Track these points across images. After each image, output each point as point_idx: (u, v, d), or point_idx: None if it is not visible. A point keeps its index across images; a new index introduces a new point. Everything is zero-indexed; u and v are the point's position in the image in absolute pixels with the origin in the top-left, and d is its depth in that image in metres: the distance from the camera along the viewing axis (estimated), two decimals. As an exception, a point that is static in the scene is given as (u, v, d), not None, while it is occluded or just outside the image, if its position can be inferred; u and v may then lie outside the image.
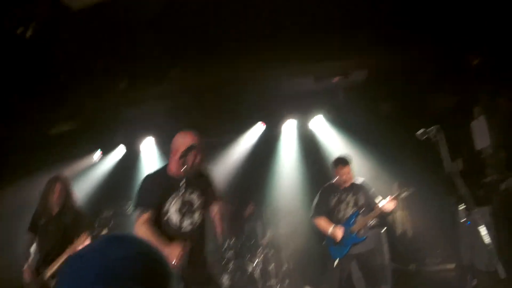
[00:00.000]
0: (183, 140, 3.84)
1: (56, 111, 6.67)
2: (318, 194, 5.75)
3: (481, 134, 5.56)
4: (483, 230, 3.38)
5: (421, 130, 3.96)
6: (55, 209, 5.28)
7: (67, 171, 8.62)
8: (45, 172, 8.41)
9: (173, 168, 3.84)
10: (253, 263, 7.05)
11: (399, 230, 7.53)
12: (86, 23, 4.95)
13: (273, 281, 7.00)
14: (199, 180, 3.92)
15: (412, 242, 7.29)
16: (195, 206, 3.88)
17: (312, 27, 5.79)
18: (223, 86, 6.99)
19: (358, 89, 7.31)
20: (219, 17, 5.44)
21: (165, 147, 8.47)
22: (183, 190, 3.68)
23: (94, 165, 8.43)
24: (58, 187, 5.28)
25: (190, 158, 3.73)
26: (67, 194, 5.34)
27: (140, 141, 8.59)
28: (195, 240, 3.80)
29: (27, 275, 5.14)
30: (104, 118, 7.57)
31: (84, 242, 5.02)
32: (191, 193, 3.85)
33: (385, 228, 6.50)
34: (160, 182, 3.83)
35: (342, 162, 5.59)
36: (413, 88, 6.77)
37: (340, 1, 5.35)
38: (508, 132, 5.51)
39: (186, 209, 3.77)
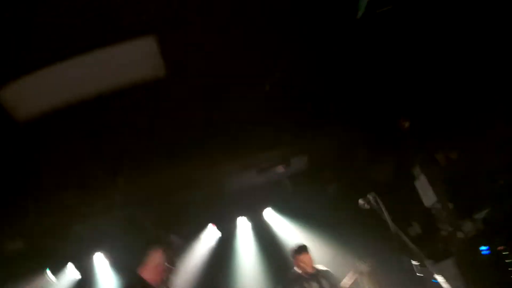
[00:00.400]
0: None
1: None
2: (281, 286, 5.75)
3: (425, 192, 5.84)
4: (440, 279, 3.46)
5: (360, 200, 4.07)
6: None
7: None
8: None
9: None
10: None
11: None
12: (32, 135, 4.92)
13: None
14: None
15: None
16: None
17: (247, 120, 6.12)
18: (168, 192, 6.92)
19: (301, 176, 7.54)
20: (153, 125, 5.62)
21: (117, 261, 8.09)
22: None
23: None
24: None
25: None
26: None
27: (90, 257, 8.11)
28: None
29: None
30: (51, 236, 7.17)
31: None
32: None
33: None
34: None
35: (301, 250, 5.65)
36: (353, 164, 7.09)
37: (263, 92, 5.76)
38: (450, 184, 5.82)
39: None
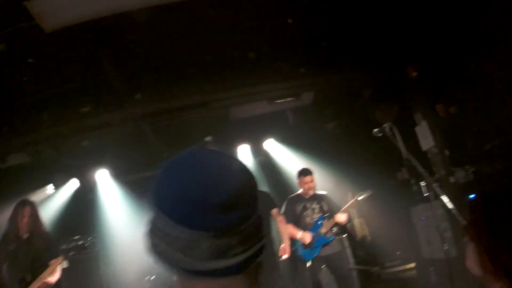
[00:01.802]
0: None
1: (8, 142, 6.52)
2: (284, 204, 6.15)
3: (424, 137, 6.16)
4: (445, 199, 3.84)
5: (376, 129, 4.40)
6: (25, 234, 5.16)
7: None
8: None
9: None
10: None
11: (358, 236, 7.92)
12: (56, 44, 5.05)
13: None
14: None
15: (372, 247, 7.68)
16: None
17: (264, 52, 6.29)
18: (176, 113, 7.12)
19: (305, 111, 7.80)
20: (170, 42, 5.75)
21: (121, 178, 8.44)
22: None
23: (46, 199, 8.12)
24: (27, 211, 5.20)
25: None
26: (36, 218, 5.26)
27: (93, 174, 8.44)
28: None
29: None
30: (56, 150, 7.43)
31: (58, 266, 4.95)
32: None
33: (346, 234, 6.86)
34: None
35: (305, 172, 6.15)
36: (357, 104, 7.35)
37: (284, 28, 5.89)
38: (449, 133, 6.16)
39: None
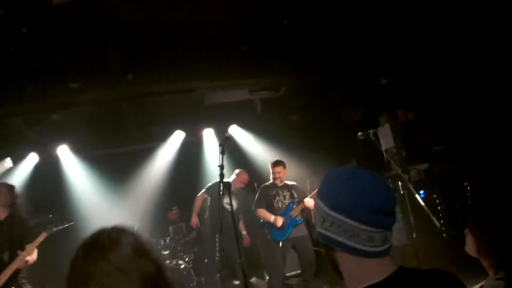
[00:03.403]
0: None
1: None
2: (258, 191, 6.83)
3: (386, 137, 6.99)
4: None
5: (360, 133, 4.99)
6: (2, 214, 5.07)
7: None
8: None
9: None
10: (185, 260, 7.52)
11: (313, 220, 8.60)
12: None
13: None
14: None
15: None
16: None
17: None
18: (160, 96, 7.33)
19: (273, 102, 8.35)
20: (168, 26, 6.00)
21: (82, 153, 8.43)
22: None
23: (5, 173, 7.94)
24: (3, 192, 5.09)
25: None
26: (13, 198, 5.14)
27: (53, 149, 8.36)
28: None
29: None
30: (26, 123, 7.31)
31: (36, 245, 4.89)
32: None
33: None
34: None
35: (279, 163, 6.79)
36: (325, 102, 8.04)
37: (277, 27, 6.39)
38: (405, 135, 7.07)
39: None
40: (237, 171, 7.41)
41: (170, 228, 8.25)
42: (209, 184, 7.29)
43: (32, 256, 4.82)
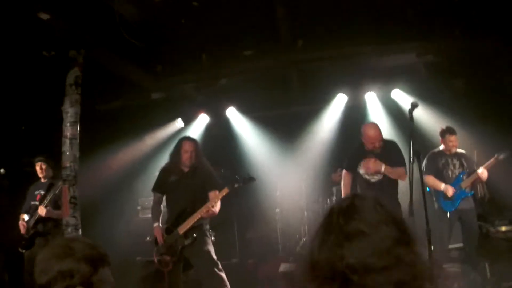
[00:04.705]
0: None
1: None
2: (426, 158, 6.55)
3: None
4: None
5: None
6: (186, 168, 5.45)
7: (152, 139, 9.10)
8: (130, 140, 8.91)
9: None
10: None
11: (478, 195, 8.17)
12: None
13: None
14: None
15: (489, 206, 7.91)
16: None
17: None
18: (313, 61, 7.48)
19: (438, 67, 7.96)
20: None
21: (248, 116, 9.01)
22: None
23: (177, 132, 8.80)
24: (189, 146, 5.44)
25: None
26: (197, 153, 5.49)
27: (222, 111, 9.08)
28: None
29: (157, 233, 5.27)
30: (196, 88, 8.04)
31: (220, 198, 5.23)
32: None
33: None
34: None
35: (450, 131, 6.52)
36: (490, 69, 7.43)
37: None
38: None
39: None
40: None
41: (334, 189, 8.51)
42: None
43: (215, 208, 5.18)
